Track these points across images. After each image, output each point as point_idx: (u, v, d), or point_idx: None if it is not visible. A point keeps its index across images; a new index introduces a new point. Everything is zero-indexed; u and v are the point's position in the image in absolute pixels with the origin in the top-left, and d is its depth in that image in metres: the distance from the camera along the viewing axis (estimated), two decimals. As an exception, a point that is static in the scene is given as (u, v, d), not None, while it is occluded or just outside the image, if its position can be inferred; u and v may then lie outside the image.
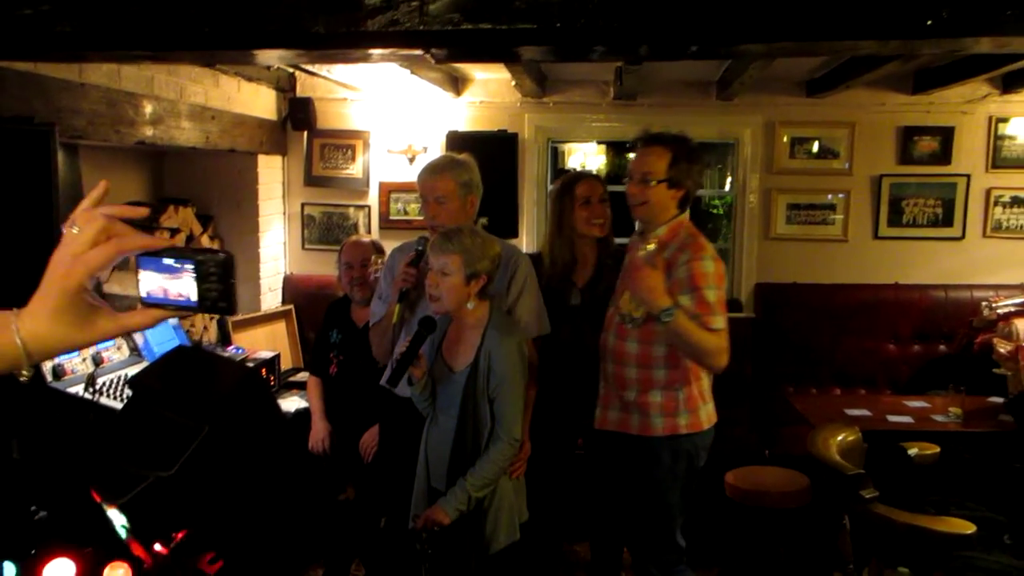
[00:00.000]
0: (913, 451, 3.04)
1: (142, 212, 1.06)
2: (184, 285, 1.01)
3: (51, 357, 0.99)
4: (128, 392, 2.91)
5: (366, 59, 2.61)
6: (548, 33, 2.26)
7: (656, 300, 2.62)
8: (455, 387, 2.69)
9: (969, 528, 2.49)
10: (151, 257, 1.01)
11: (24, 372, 0.99)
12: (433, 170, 2.95)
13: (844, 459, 2.89)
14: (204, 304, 1.01)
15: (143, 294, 1.03)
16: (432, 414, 2.80)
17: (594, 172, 3.66)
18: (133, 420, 2.40)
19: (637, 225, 3.05)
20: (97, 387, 3.28)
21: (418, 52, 2.45)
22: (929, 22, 2.14)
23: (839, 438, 3.06)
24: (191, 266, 1.00)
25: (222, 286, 1.01)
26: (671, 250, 2.79)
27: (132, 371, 3.83)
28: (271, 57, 2.75)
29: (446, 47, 2.42)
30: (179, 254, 1.01)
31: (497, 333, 2.66)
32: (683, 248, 2.77)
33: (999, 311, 4.48)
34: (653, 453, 2.85)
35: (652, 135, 2.91)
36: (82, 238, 0.97)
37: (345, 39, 2.29)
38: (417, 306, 2.92)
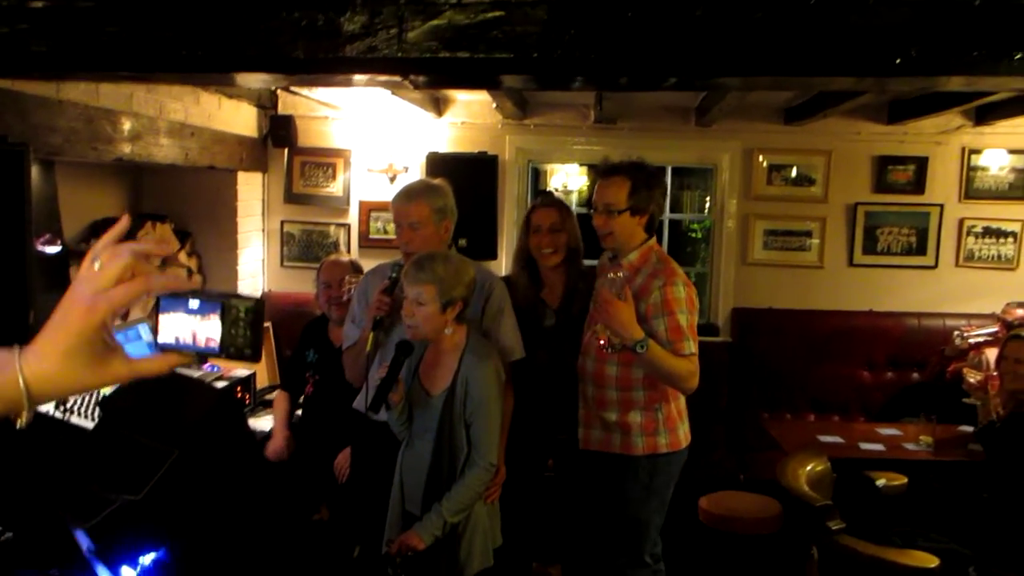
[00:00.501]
0: (881, 481, 3.07)
1: (170, 250, 1.03)
2: (210, 329, 0.95)
3: (54, 400, 0.92)
4: (99, 413, 2.89)
5: (347, 83, 2.63)
6: (525, 63, 2.29)
7: (630, 333, 2.68)
8: (432, 411, 2.69)
9: (933, 562, 2.51)
10: (176, 298, 0.96)
11: (22, 416, 0.91)
12: (407, 195, 2.94)
13: (813, 489, 2.92)
14: (228, 351, 0.95)
15: (161, 338, 0.97)
16: (408, 438, 2.80)
17: (557, 196, 3.67)
18: (103, 442, 2.39)
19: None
20: (68, 405, 3.25)
21: (397, 78, 2.48)
22: (898, 60, 2.19)
23: (808, 468, 3.08)
24: (218, 310, 0.95)
25: (250, 333, 0.94)
26: (644, 275, 2.88)
27: (105, 390, 3.79)
28: (252, 80, 2.77)
29: (424, 74, 2.45)
30: (206, 296, 0.95)
31: (474, 358, 2.67)
32: (656, 274, 2.86)
33: (970, 341, 4.53)
34: (633, 470, 2.93)
35: (611, 166, 3.00)
36: (106, 274, 0.91)
37: (324, 64, 2.31)
38: (392, 332, 2.91)
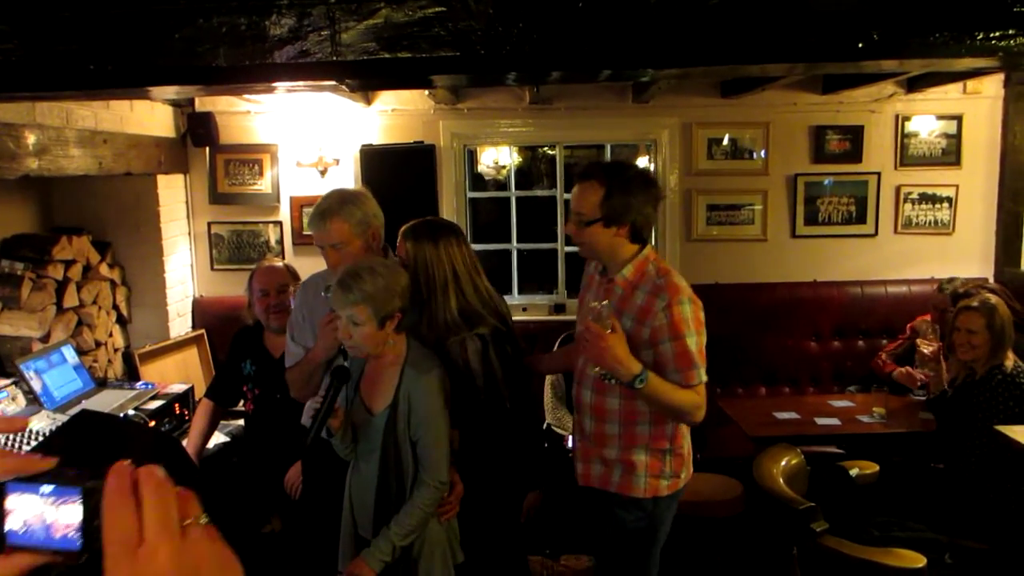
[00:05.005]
0: (854, 471, 3.05)
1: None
2: (68, 516, 0.75)
3: None
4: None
5: (272, 90, 2.43)
6: (471, 61, 2.14)
7: (627, 369, 2.33)
8: (375, 431, 2.52)
9: (920, 561, 2.48)
10: (25, 483, 0.77)
11: None
12: (321, 216, 2.68)
13: (790, 485, 2.87)
14: (92, 545, 0.74)
15: (7, 529, 0.76)
16: (354, 460, 2.65)
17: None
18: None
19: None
20: (-10, 446, 2.99)
21: (331, 83, 2.29)
22: (860, 44, 2.11)
23: (783, 463, 3.03)
24: (76, 496, 0.75)
25: None
26: (643, 293, 2.48)
27: (33, 423, 3.52)
28: (167, 92, 2.54)
29: (362, 78, 2.27)
30: (61, 480, 0.76)
31: (415, 371, 2.49)
32: (657, 292, 2.45)
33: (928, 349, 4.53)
34: (636, 503, 2.61)
35: (587, 168, 2.57)
36: None
37: (250, 72, 2.11)
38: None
